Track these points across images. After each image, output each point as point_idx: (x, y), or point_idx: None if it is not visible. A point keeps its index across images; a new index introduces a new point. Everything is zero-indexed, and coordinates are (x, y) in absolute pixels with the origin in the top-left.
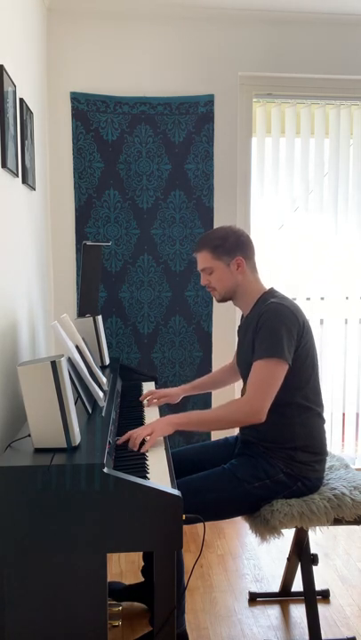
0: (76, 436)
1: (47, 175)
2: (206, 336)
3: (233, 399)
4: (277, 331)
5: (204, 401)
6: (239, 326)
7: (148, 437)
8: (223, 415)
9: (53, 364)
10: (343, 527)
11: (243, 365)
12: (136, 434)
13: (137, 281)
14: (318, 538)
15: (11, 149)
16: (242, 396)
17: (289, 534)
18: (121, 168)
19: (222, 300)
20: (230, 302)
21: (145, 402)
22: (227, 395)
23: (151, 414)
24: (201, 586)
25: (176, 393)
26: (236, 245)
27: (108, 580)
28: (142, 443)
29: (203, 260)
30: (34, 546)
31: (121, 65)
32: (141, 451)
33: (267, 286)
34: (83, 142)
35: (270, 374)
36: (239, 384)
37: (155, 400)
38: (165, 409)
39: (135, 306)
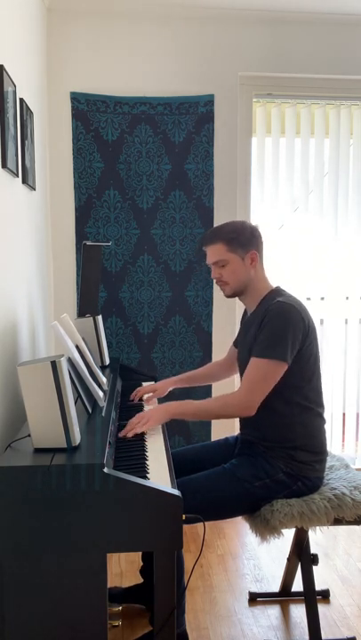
0: (76, 436)
1: (47, 175)
2: (206, 336)
3: (228, 392)
4: (282, 331)
5: (204, 394)
6: (243, 322)
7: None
8: (216, 407)
9: (53, 364)
10: (343, 527)
11: (243, 360)
12: (134, 423)
13: (137, 281)
14: (318, 538)
15: (11, 149)
16: None
17: (289, 534)
18: (121, 168)
19: (232, 294)
20: (232, 302)
21: (143, 400)
22: (228, 388)
23: None
24: (201, 586)
25: (163, 386)
26: (250, 239)
27: (108, 584)
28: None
29: (216, 252)
30: (34, 546)
31: (121, 65)
32: (131, 433)
33: (273, 284)
34: (83, 142)
35: (267, 373)
36: (238, 378)
37: (143, 398)
38: None
39: (135, 306)
